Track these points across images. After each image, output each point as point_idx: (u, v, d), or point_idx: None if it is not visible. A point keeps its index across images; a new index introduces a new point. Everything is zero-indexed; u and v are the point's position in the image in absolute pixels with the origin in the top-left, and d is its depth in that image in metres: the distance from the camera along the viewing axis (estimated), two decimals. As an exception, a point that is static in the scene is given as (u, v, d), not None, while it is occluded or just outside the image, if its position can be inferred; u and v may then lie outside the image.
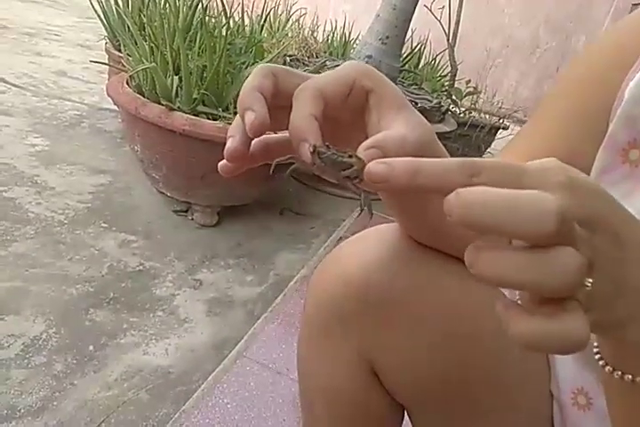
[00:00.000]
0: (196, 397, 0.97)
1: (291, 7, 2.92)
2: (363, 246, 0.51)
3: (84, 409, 0.94)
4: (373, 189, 0.39)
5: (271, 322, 1.19)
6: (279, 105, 0.36)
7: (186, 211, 1.66)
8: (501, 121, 2.65)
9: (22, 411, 0.91)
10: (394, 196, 0.44)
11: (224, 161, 0.37)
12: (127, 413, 0.95)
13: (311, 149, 0.33)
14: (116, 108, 2.07)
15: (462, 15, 2.62)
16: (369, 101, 0.37)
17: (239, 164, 0.38)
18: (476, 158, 0.26)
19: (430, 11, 2.47)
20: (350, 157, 0.33)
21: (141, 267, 1.37)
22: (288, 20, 2.82)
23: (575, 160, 0.49)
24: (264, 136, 0.38)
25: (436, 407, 0.54)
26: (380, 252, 0.50)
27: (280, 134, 0.40)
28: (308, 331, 0.56)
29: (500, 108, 2.68)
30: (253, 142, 0.38)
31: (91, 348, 1.07)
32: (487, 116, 2.65)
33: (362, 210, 0.36)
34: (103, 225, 1.50)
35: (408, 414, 0.57)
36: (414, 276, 0.49)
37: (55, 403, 0.94)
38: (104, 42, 2.25)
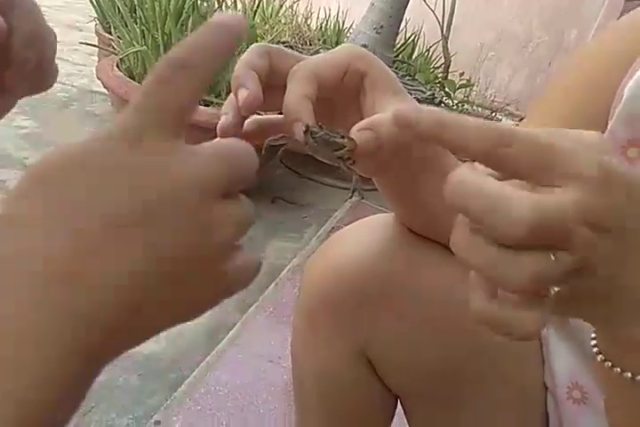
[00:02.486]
0: (187, 383, 0.97)
1: (285, -7, 2.89)
2: (357, 235, 0.52)
3: (74, 394, 0.94)
4: (366, 174, 0.40)
5: (263, 310, 1.20)
6: (273, 85, 0.36)
7: (177, 197, 1.64)
8: (494, 114, 2.67)
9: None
10: (387, 176, 0.44)
11: (224, 129, 0.37)
12: (118, 398, 0.95)
13: (304, 129, 0.33)
14: (105, 91, 2.04)
15: (456, 7, 2.61)
16: (364, 84, 0.38)
17: None
18: (512, 127, 0.26)
19: (425, 1, 2.46)
20: (343, 137, 0.34)
21: (132, 253, 1.36)
22: (281, 6, 2.79)
23: None
24: (257, 117, 0.38)
25: (429, 397, 0.55)
26: (375, 240, 0.50)
27: (273, 115, 0.39)
28: (301, 320, 0.57)
29: (493, 101, 2.69)
30: (246, 122, 0.38)
31: (81, 333, 1.06)
32: (480, 109, 2.66)
33: (353, 191, 0.36)
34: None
35: (401, 403, 0.58)
36: (408, 264, 0.49)
37: (45, 388, 0.93)
38: (94, 23, 2.21)
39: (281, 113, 0.36)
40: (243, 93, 0.34)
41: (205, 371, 1.00)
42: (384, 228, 0.51)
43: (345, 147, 0.33)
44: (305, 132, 0.33)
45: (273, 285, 1.30)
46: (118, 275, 0.20)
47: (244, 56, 0.36)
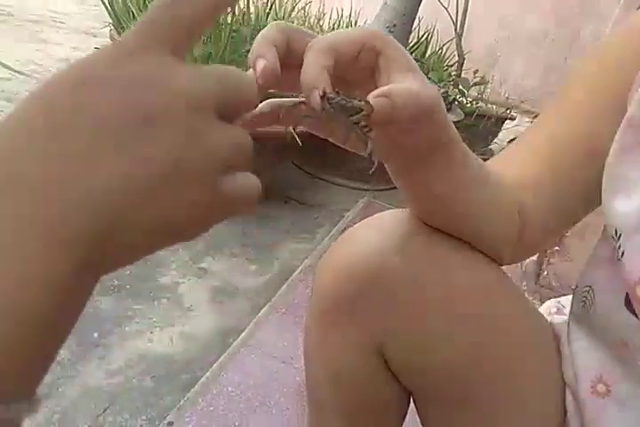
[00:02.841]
0: (200, 384, 0.98)
1: (297, -6, 2.89)
2: (367, 233, 0.51)
3: (88, 396, 0.94)
4: (379, 156, 0.39)
5: (275, 311, 1.19)
6: (289, 64, 0.35)
7: (190, 199, 1.65)
8: (508, 111, 2.63)
9: (27, 397, 0.91)
10: (399, 160, 0.44)
11: None
12: (131, 400, 0.96)
13: (321, 94, 0.33)
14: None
15: (470, 4, 2.59)
16: (379, 63, 0.37)
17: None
18: None
19: (438, -1, 2.44)
20: (360, 101, 0.34)
21: (146, 255, 1.37)
22: (294, 7, 2.79)
23: (595, 141, 0.50)
24: (271, 99, 0.38)
25: (443, 395, 0.54)
26: (386, 236, 0.50)
27: (287, 99, 0.39)
28: (314, 320, 0.56)
29: (507, 98, 2.65)
30: (260, 105, 0.37)
31: (95, 335, 1.07)
32: (494, 107, 2.62)
33: (370, 158, 0.36)
34: (108, 213, 1.50)
35: (414, 400, 0.57)
36: (425, 258, 0.49)
37: (60, 389, 0.94)
38: (108, 29, 2.23)
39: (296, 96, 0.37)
40: (260, 64, 0.33)
41: (218, 372, 1.01)
42: (396, 223, 0.51)
43: (362, 111, 0.33)
44: (322, 97, 0.33)
45: (285, 286, 1.30)
46: (110, 177, 0.21)
47: (263, 31, 0.35)
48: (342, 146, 0.41)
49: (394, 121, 0.35)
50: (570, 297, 0.60)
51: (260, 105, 0.37)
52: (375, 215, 0.53)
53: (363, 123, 0.34)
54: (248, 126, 0.37)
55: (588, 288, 0.53)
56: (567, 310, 0.61)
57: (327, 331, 0.54)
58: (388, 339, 0.51)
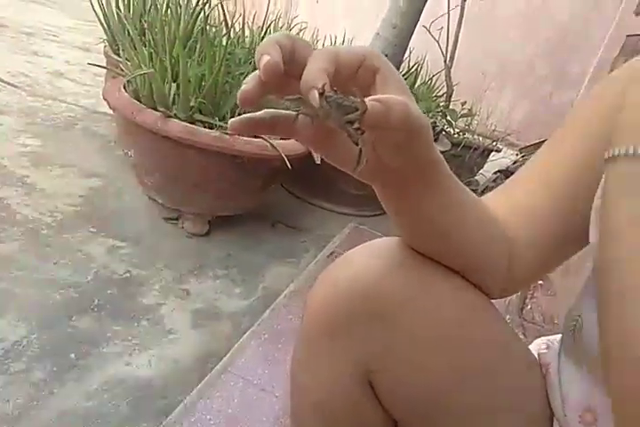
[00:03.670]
0: (178, 411, 0.95)
1: (291, 20, 2.94)
2: (360, 259, 0.52)
3: (62, 419, 0.91)
4: (365, 176, 0.43)
5: (257, 337, 1.18)
6: (292, 73, 0.36)
7: (176, 219, 1.64)
8: (494, 143, 2.68)
9: (-3, 419, 0.88)
10: (386, 180, 0.45)
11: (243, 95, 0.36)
12: (107, 425, 0.93)
13: (320, 91, 0.34)
14: (110, 111, 2.06)
15: (460, 37, 2.66)
16: (376, 80, 0.39)
17: (253, 105, 0.37)
18: None
19: (429, 31, 2.50)
20: (356, 98, 0.35)
21: (128, 274, 1.35)
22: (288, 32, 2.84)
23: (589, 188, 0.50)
24: (271, 110, 0.39)
25: (429, 423, 0.54)
26: (377, 262, 0.51)
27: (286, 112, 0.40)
28: (303, 345, 0.56)
29: (494, 130, 2.70)
30: (259, 113, 0.38)
31: (72, 356, 1.05)
32: (481, 138, 2.67)
33: (358, 159, 0.37)
34: (91, 229, 1.48)
35: None
36: (416, 285, 0.50)
37: (33, 412, 0.91)
38: (103, 45, 2.24)
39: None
40: (264, 59, 0.34)
41: (196, 398, 0.98)
42: (388, 250, 0.52)
43: (357, 110, 0.34)
44: (320, 94, 0.34)
45: (269, 310, 1.29)
46: None
47: (271, 35, 0.37)
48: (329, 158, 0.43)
49: (384, 126, 0.35)
50: (559, 335, 0.61)
51: (260, 113, 0.38)
52: (368, 242, 0.54)
53: (356, 125, 0.35)
54: (245, 130, 0.38)
55: (577, 317, 0.54)
56: (556, 347, 0.61)
57: (316, 356, 0.54)
58: (376, 365, 0.52)
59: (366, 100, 0.35)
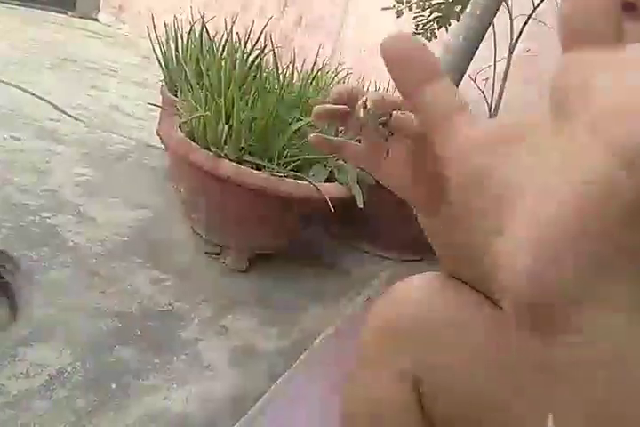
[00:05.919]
0: (212, 450, 0.96)
1: (338, 66, 3.05)
2: (415, 281, 0.65)
3: (99, 450, 0.93)
4: (397, 186, 0.53)
5: (293, 380, 1.18)
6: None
7: (218, 253, 1.68)
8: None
9: (40, 446, 0.90)
10: (424, 187, 0.54)
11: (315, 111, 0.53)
12: (141, 459, 0.94)
13: (363, 106, 0.49)
14: (162, 145, 2.15)
15: (505, 90, 2.70)
16: None
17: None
18: None
19: (474, 81, 2.56)
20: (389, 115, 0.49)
21: (170, 307, 1.38)
22: (334, 78, 2.94)
23: None
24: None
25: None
26: (429, 283, 0.63)
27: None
28: (359, 361, 0.67)
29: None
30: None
31: (113, 386, 1.07)
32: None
33: (387, 152, 0.52)
34: (138, 260, 1.53)
35: None
36: (452, 305, 0.60)
37: (73, 441, 0.93)
38: (159, 84, 2.37)
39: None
40: (334, 90, 0.52)
41: (231, 439, 0.99)
42: (426, 281, 0.64)
43: (389, 116, 0.48)
44: (364, 108, 0.48)
45: (306, 353, 1.30)
46: None
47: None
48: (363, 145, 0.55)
49: (408, 129, 0.48)
50: None
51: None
52: (416, 275, 0.66)
53: (387, 129, 0.49)
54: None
55: None
56: None
57: (371, 370, 0.64)
58: (421, 374, 0.60)
59: (395, 112, 0.48)
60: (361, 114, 0.49)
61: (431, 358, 0.60)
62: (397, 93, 0.51)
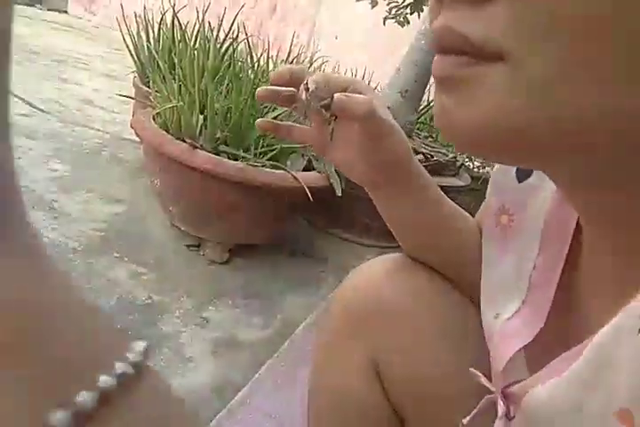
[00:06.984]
0: (196, 441, 0.95)
1: (313, 54, 3.03)
2: (374, 265, 0.63)
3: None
4: (353, 174, 0.56)
5: (276, 368, 1.18)
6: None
7: (197, 246, 1.67)
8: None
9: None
10: (375, 184, 0.57)
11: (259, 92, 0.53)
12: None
13: (306, 88, 0.49)
14: (136, 138, 2.12)
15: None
16: None
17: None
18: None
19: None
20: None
21: (150, 300, 1.37)
22: (310, 66, 2.92)
23: None
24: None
25: (430, 422, 0.58)
26: (385, 272, 0.61)
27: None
28: (320, 349, 0.65)
29: (511, 164, 2.72)
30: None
31: (94, 382, 1.06)
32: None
33: (331, 135, 0.53)
34: (115, 255, 1.51)
35: None
36: (411, 284, 0.60)
37: None
38: (131, 75, 2.32)
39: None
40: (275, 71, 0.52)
41: (215, 430, 0.99)
42: (390, 263, 0.63)
43: (331, 99, 0.48)
44: (306, 90, 0.49)
45: (287, 341, 1.30)
46: None
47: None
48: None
49: (349, 113, 0.48)
50: None
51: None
52: (376, 258, 0.65)
53: (329, 113, 0.50)
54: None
55: None
56: None
57: (332, 358, 0.62)
58: (383, 359, 0.59)
59: (337, 94, 0.48)
60: (303, 96, 0.49)
61: (387, 343, 0.58)
62: (349, 75, 0.52)
